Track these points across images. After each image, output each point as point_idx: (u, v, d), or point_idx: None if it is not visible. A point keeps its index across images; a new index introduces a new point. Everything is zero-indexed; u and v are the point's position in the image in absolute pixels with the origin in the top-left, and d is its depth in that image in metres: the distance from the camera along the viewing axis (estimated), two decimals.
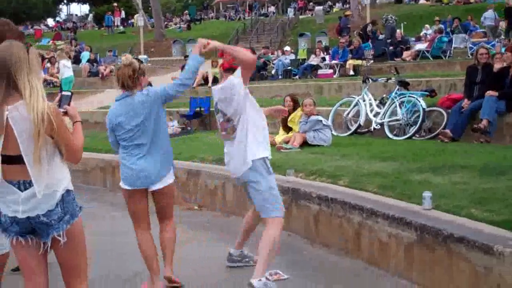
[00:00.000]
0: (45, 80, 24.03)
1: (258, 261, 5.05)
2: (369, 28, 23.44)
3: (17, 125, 3.32)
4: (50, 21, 65.83)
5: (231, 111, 5.04)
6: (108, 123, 5.21)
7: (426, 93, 11.38)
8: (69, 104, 3.68)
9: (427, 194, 5.40)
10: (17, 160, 3.35)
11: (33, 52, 3.45)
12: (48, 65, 25.28)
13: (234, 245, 5.86)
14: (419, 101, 10.69)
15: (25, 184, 3.38)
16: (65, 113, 3.67)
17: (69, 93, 3.75)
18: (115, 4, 48.00)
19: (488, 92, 9.69)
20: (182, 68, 21.24)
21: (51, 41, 40.31)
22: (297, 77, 20.46)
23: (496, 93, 9.63)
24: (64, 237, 3.47)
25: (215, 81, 19.42)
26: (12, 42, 3.46)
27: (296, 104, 10.39)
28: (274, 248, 5.00)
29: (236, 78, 4.99)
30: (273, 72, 21.93)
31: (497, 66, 10.35)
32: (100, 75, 24.51)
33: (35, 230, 3.48)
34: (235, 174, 5.22)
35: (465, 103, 10.08)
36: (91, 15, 60.57)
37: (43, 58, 26.82)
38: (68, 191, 3.52)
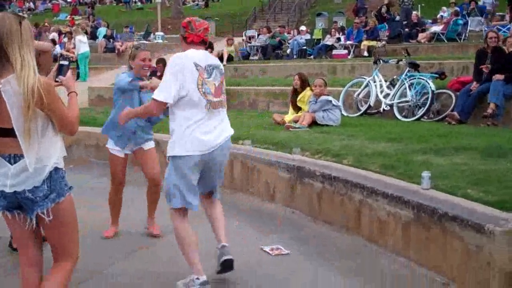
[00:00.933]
0: (61, 55, 24.29)
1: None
2: (383, 10, 23.30)
3: (9, 98, 3.28)
4: None
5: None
6: None
7: (436, 75, 11.43)
8: (65, 74, 3.64)
9: (425, 174, 5.51)
10: (9, 133, 3.32)
11: (25, 24, 3.40)
12: (65, 40, 25.45)
13: (240, 220, 6.03)
14: (429, 83, 10.74)
15: (15, 158, 3.35)
16: (60, 83, 3.64)
17: (67, 62, 3.71)
18: None
19: (495, 75, 9.72)
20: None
21: (68, 16, 40.48)
22: (312, 57, 20.49)
23: (502, 76, 9.67)
24: (50, 215, 3.43)
25: (230, 59, 19.54)
26: (4, 14, 3.38)
27: (304, 83, 10.49)
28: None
29: None
30: (288, 51, 21.95)
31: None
32: (116, 51, 24.65)
33: (21, 205, 3.46)
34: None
35: (474, 86, 10.13)
36: None
37: (60, 33, 27.05)
38: (56, 168, 3.45)
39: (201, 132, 4.58)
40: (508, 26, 19.09)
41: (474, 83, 10.21)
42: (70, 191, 3.56)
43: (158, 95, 4.56)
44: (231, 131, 4.88)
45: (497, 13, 23.31)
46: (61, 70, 3.65)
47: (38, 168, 3.36)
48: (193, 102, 4.55)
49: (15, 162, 3.35)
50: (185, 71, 4.55)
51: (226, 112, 4.89)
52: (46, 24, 27.56)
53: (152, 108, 4.70)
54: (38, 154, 3.35)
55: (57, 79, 3.63)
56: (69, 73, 3.67)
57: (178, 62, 4.58)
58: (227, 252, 4.88)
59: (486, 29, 18.67)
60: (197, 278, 4.59)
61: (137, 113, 5.19)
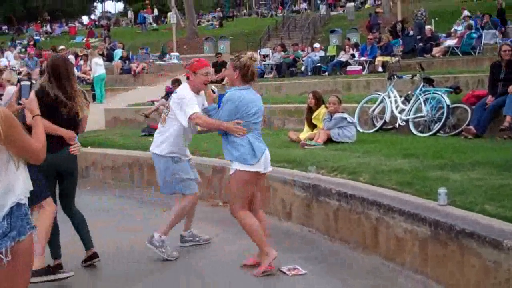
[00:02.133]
0: (78, 78, 24.51)
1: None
2: (398, 27, 23.36)
3: None
4: (85, 19, 66.77)
5: None
6: None
7: (451, 89, 11.40)
8: (28, 95, 3.40)
9: (442, 190, 5.47)
10: None
11: None
12: (81, 62, 25.70)
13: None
14: (444, 98, 10.71)
15: None
16: (23, 106, 3.43)
17: (28, 83, 3.47)
18: (147, 1, 48.53)
19: (510, 88, 9.67)
20: (213, 65, 21.56)
21: (85, 39, 40.94)
22: (326, 73, 20.52)
23: None
24: (8, 255, 3.06)
25: None
26: None
27: (319, 101, 10.51)
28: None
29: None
30: (302, 68, 22.01)
31: None
32: (132, 73, 24.85)
33: None
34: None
35: (489, 99, 10.08)
36: (130, 12, 61.10)
37: (76, 56, 27.31)
38: (19, 204, 3.14)
39: None
40: None
41: (490, 96, 10.17)
42: (33, 230, 3.22)
43: None
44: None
45: (509, 25, 23.34)
46: (23, 91, 3.44)
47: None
48: None
49: None
50: None
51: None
52: (63, 47, 27.79)
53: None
54: (1, 189, 3.09)
55: (19, 102, 3.42)
56: (32, 94, 3.43)
57: None
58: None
59: (500, 42, 18.62)
60: None
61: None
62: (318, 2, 45.38)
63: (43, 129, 3.32)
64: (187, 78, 6.28)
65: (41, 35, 49.12)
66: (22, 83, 3.47)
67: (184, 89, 6.11)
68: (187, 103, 5.91)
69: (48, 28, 53.82)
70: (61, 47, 27.31)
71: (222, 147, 5.79)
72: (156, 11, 52.15)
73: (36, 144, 3.18)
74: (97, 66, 21.40)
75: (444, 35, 23.18)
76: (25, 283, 3.24)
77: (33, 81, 8.23)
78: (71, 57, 26.70)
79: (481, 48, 20.40)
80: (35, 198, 5.09)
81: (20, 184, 3.17)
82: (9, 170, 3.11)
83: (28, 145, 3.13)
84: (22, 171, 3.19)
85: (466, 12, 26.73)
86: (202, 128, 6.25)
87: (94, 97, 21.43)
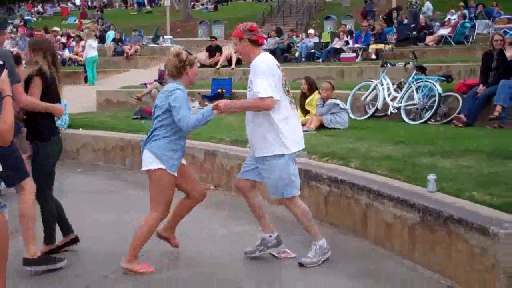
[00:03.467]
0: (70, 59, 24.47)
1: None
2: (394, 15, 23.36)
3: None
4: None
5: None
6: None
7: (443, 78, 11.47)
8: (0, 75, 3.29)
9: (431, 177, 5.54)
10: None
11: None
12: (73, 43, 25.60)
13: (247, 223, 6.09)
14: (435, 86, 10.79)
15: None
16: None
17: (1, 62, 3.42)
18: None
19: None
20: (207, 49, 21.52)
21: (77, 20, 40.72)
22: (320, 60, 20.53)
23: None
24: None
25: (239, 62, 19.58)
26: None
27: (312, 87, 10.55)
28: None
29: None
30: (296, 54, 21.99)
31: (508, 53, 10.41)
32: (125, 55, 24.77)
33: None
34: None
35: (480, 88, 10.16)
36: None
37: (68, 37, 27.21)
38: None
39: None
40: None
41: (481, 85, 10.24)
42: (3, 209, 3.18)
43: (265, 93, 5.01)
44: None
45: (504, 16, 23.42)
46: None
47: None
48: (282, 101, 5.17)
49: None
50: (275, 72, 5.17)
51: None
52: (55, 29, 27.66)
53: (266, 105, 5.07)
54: None
55: None
56: (3, 74, 3.36)
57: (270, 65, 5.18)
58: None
59: (493, 32, 18.69)
60: None
61: (243, 107, 5.53)
62: None
63: (12, 110, 3.24)
64: (255, 43, 5.24)
65: (33, 15, 48.80)
66: None
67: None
68: None
69: (40, 8, 53.46)
70: (55, 28, 27.17)
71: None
72: None
73: (4, 126, 3.11)
74: (90, 48, 21.32)
75: (438, 24, 23.22)
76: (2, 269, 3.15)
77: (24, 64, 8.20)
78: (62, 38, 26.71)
79: (474, 37, 20.46)
80: (13, 180, 5.14)
81: None
82: None
83: None
84: None
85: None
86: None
87: (85, 79, 21.38)
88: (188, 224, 6.71)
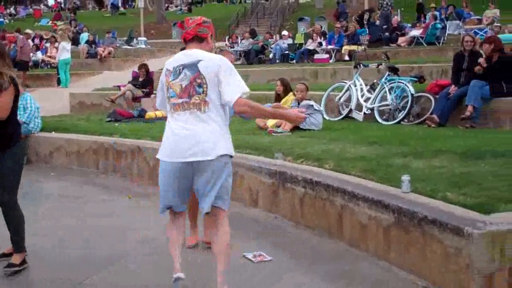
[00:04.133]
0: (43, 61, 24.22)
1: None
2: (366, 16, 23.51)
3: None
4: (50, 1, 65.65)
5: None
6: None
7: (415, 79, 11.56)
8: None
9: (405, 177, 5.55)
10: None
11: None
12: (47, 45, 25.35)
13: None
14: (408, 87, 10.88)
15: None
16: None
17: None
18: None
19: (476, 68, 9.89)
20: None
21: (50, 22, 40.32)
22: (294, 61, 20.59)
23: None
24: None
25: None
26: None
27: (287, 88, 10.58)
28: None
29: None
30: (270, 56, 22.04)
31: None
32: (99, 57, 24.59)
33: None
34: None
35: (452, 89, 10.27)
36: None
37: (41, 39, 26.93)
38: None
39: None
40: (486, 30, 19.35)
41: (453, 86, 10.35)
42: None
43: None
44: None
45: (474, 17, 23.74)
46: None
47: None
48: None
49: None
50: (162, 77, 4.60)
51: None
52: (29, 31, 27.36)
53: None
54: None
55: None
56: None
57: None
58: None
59: (463, 32, 18.93)
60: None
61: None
62: None
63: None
64: (198, 39, 4.58)
65: (5, 17, 48.19)
66: None
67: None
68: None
69: (12, 10, 52.84)
70: (27, 30, 26.88)
71: None
72: None
73: None
74: (64, 50, 21.11)
75: (409, 25, 23.44)
76: None
77: None
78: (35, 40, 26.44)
79: (445, 38, 20.68)
80: None
81: None
82: None
83: None
84: None
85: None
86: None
87: (58, 81, 21.17)
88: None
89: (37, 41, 26.76)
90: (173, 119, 4.44)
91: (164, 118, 6.17)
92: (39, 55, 24.68)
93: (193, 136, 4.31)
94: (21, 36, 22.76)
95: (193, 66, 4.37)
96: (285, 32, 24.16)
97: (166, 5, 44.85)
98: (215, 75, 4.36)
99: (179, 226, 4.75)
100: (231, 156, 4.51)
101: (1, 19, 44.96)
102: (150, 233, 6.36)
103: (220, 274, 4.52)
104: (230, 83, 4.42)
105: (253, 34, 24.84)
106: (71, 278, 5.20)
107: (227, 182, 4.49)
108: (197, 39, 4.54)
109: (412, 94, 10.70)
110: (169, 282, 4.63)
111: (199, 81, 4.35)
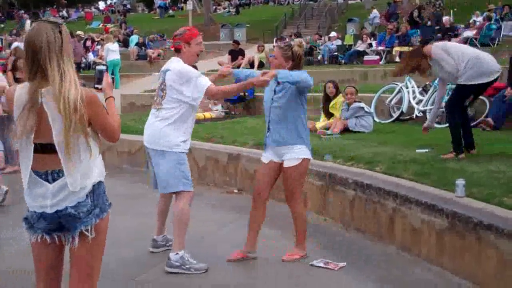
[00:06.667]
0: (94, 63, 24.62)
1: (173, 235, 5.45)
2: (415, 14, 23.16)
3: (50, 111, 3.02)
4: (102, 4, 66.76)
5: None
6: None
7: None
8: (102, 79, 3.46)
9: (460, 181, 5.45)
10: (48, 148, 3.06)
11: (65, 32, 3.11)
12: (98, 47, 25.76)
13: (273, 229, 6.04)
14: None
15: (53, 174, 3.09)
16: (100, 89, 3.45)
17: (103, 67, 3.57)
18: None
19: None
20: (229, 53, 21.56)
21: (101, 24, 41.02)
22: (343, 62, 20.46)
23: None
24: (93, 232, 3.13)
25: (261, 65, 19.57)
26: (41, 26, 3.07)
27: (337, 90, 10.49)
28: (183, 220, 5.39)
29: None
30: (319, 57, 21.95)
31: None
32: (148, 59, 24.87)
33: (62, 225, 3.15)
34: None
35: (508, 92, 10.00)
36: None
37: (92, 41, 27.37)
38: (99, 182, 3.21)
39: None
40: None
41: (508, 88, 10.08)
42: (110, 208, 3.27)
43: None
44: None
45: None
46: (98, 75, 3.54)
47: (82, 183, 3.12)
48: None
49: (53, 180, 3.09)
50: None
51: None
52: (79, 32, 27.86)
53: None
54: (80, 171, 3.10)
55: (96, 86, 3.50)
56: (107, 77, 3.50)
57: None
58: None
59: None
60: None
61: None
62: None
63: (116, 112, 3.43)
64: (177, 50, 5.44)
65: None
66: (97, 67, 3.63)
67: (181, 63, 5.36)
68: (197, 75, 5.28)
69: (65, 13, 53.92)
70: (79, 32, 27.36)
71: (273, 128, 5.56)
72: None
73: (114, 123, 3.32)
74: (109, 52, 21.38)
75: (462, 26, 22.98)
76: (100, 264, 3.29)
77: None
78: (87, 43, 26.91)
79: (501, 39, 20.19)
80: None
81: (99, 162, 3.29)
82: (86, 157, 3.15)
83: (109, 125, 3.29)
84: (98, 150, 3.30)
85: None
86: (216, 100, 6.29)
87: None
88: (211, 228, 6.72)
89: (88, 43, 27.21)
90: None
91: (212, 120, 6.34)
92: (90, 57, 25.11)
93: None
94: (73, 39, 23.17)
95: (165, 72, 5.42)
96: (333, 33, 24.03)
97: (214, 7, 45.11)
98: (173, 82, 5.30)
99: None
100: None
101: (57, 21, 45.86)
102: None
103: None
104: (190, 85, 5.28)
105: (299, 37, 24.77)
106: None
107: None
108: (176, 50, 5.48)
109: None
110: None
111: (162, 86, 5.40)
